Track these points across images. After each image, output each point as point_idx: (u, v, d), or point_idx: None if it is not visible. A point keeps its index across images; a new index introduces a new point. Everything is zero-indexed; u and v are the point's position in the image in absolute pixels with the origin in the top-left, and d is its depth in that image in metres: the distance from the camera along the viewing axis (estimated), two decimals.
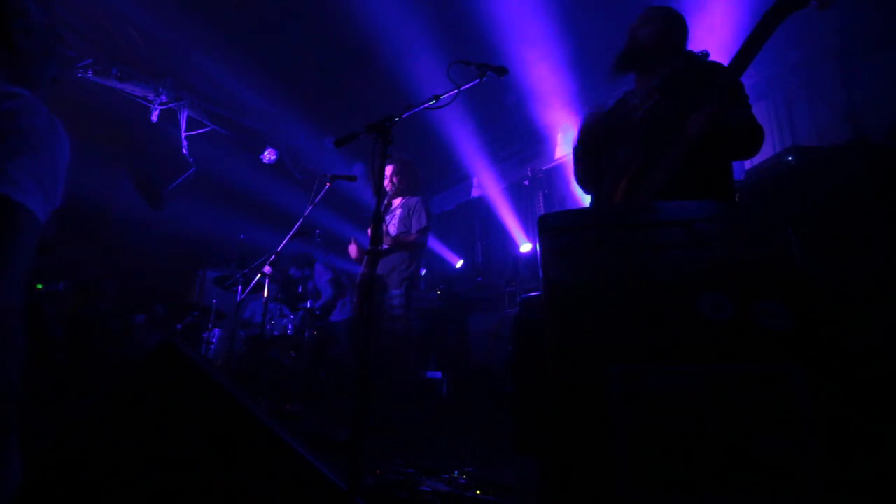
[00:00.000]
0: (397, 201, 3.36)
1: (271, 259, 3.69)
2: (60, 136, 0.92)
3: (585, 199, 1.91)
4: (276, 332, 5.01)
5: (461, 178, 7.76)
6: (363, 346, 1.45)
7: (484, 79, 1.85)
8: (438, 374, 4.33)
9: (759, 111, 4.30)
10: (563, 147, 5.88)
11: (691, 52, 1.72)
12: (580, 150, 1.83)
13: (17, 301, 0.80)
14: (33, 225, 0.84)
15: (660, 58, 1.69)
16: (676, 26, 1.73)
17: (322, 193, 3.34)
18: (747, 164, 4.12)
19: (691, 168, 1.42)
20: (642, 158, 1.52)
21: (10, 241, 0.80)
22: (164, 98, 5.41)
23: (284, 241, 3.54)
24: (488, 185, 6.84)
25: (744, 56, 1.39)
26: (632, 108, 1.70)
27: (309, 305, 4.59)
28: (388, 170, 3.29)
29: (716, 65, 1.63)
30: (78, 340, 4.21)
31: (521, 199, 6.27)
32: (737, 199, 1.64)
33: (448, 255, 7.07)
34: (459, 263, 6.76)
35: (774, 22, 1.37)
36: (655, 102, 1.62)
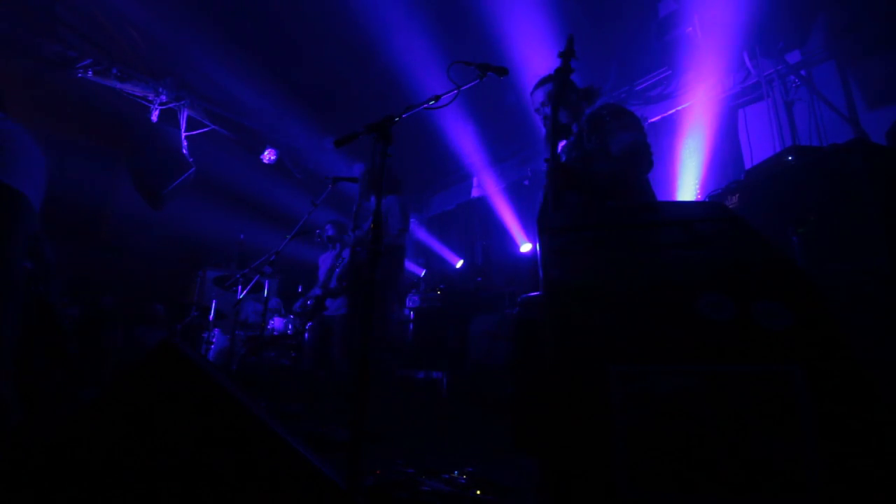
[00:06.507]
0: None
1: (271, 259, 3.69)
2: (34, 146, 1.21)
3: None
4: (276, 332, 5.02)
5: (461, 178, 7.76)
6: (363, 347, 1.45)
7: (484, 79, 1.85)
8: (438, 374, 4.33)
9: (759, 111, 4.32)
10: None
11: (588, 91, 1.98)
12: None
13: (20, 267, 1.06)
14: (31, 209, 1.09)
15: (573, 120, 1.98)
16: (563, 91, 1.89)
17: (325, 195, 3.37)
18: (747, 164, 4.12)
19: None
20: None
21: (13, 220, 1.04)
22: (164, 98, 5.41)
23: (286, 241, 3.54)
24: (488, 185, 6.84)
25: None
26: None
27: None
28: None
29: (598, 111, 1.90)
30: (85, 334, 4.23)
31: (521, 199, 6.26)
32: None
33: (448, 255, 7.07)
34: (459, 263, 6.76)
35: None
36: (575, 156, 1.90)
